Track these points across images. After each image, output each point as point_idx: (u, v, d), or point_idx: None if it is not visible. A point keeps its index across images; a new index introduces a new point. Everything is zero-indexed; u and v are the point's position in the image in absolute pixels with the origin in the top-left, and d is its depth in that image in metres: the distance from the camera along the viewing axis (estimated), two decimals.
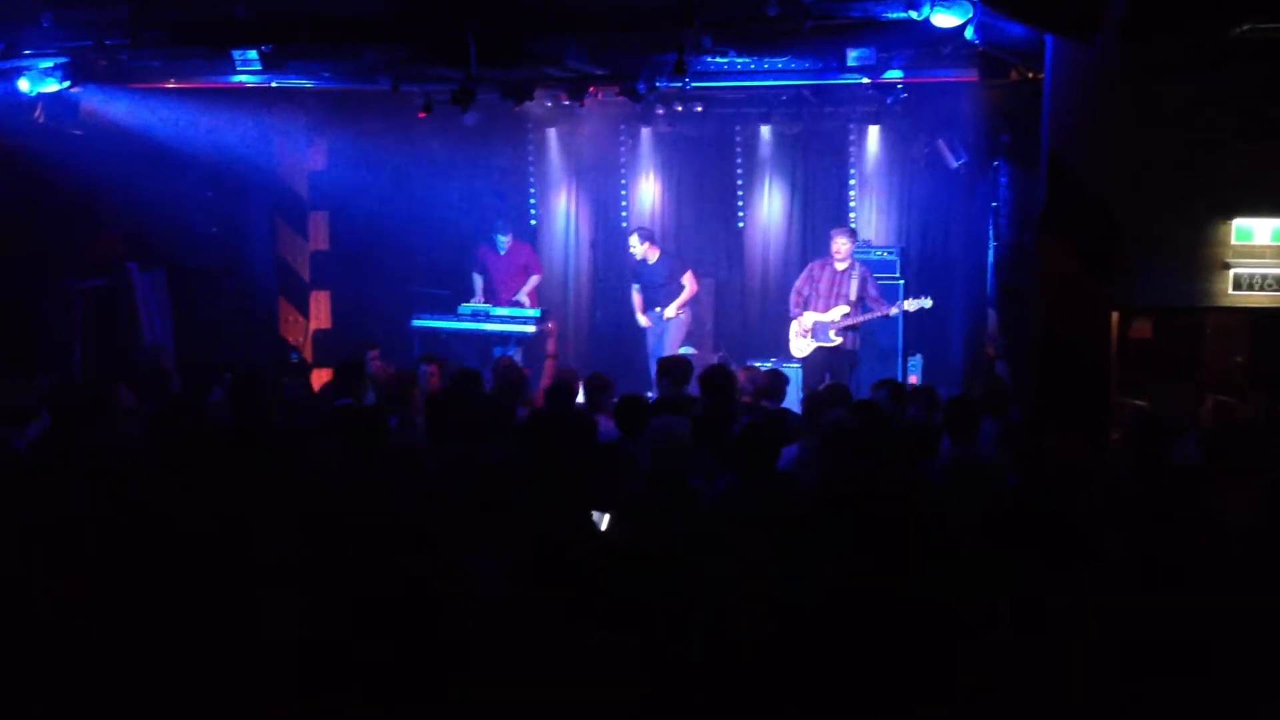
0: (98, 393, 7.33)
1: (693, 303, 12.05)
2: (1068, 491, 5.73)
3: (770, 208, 13.43)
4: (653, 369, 10.92)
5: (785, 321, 11.26)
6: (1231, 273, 8.05)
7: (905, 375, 11.60)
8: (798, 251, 13.11)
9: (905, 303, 10.72)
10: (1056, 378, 6.19)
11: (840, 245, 10.71)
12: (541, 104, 11.46)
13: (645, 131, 13.37)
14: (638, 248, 11.85)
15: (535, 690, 3.96)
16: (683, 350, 11.24)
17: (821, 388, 9.09)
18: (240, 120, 11.19)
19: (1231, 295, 8.13)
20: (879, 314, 10.73)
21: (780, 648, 4.06)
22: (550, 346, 11.48)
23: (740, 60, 9.19)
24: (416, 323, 12.02)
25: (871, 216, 13.04)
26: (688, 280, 11.86)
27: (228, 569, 4.50)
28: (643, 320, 11.98)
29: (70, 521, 5.01)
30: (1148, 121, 7.05)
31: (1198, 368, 8.37)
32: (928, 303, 10.63)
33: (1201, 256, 7.96)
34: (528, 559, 4.37)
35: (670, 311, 11.76)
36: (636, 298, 12.05)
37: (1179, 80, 7.25)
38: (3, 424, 7.03)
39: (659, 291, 11.84)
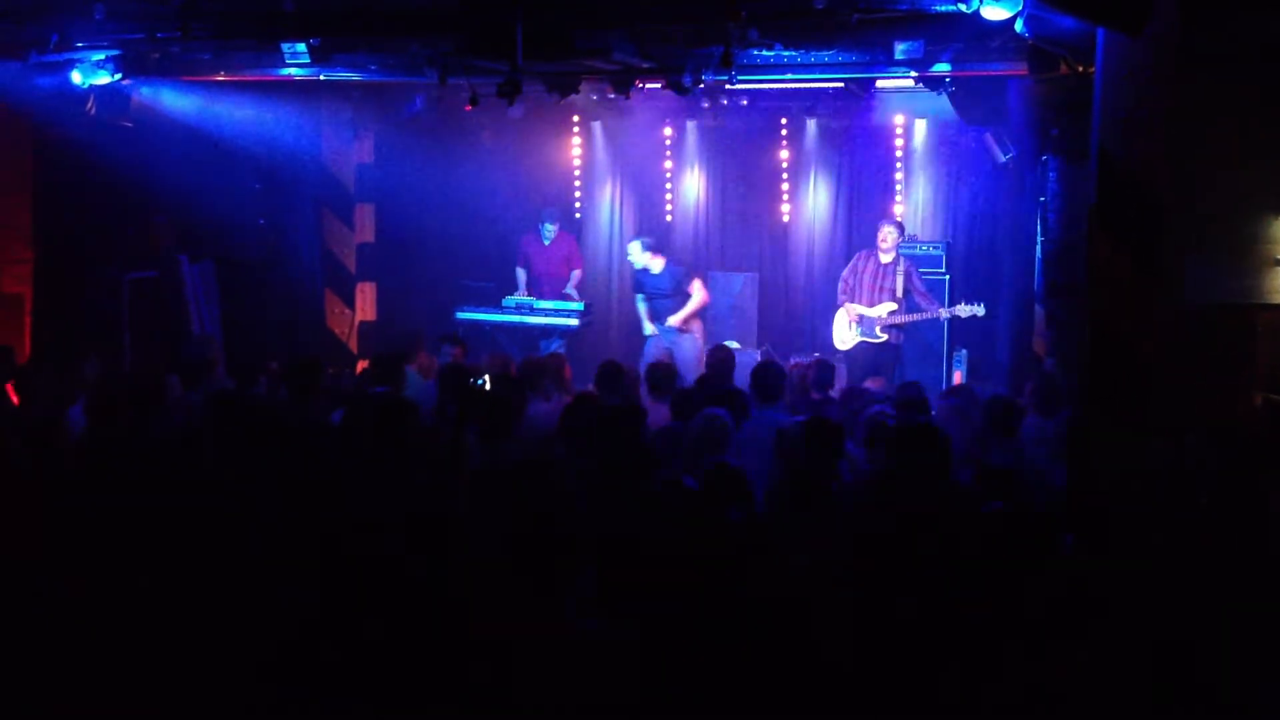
0: (150, 383, 7.39)
1: (725, 310, 11.76)
2: (1118, 491, 5.69)
3: (815, 202, 13.38)
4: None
5: (829, 316, 11.22)
6: None
7: (950, 372, 11.52)
8: (843, 246, 13.05)
9: (958, 308, 10.62)
10: (1108, 375, 6.13)
11: (887, 234, 10.68)
12: (587, 97, 11.47)
13: (690, 125, 13.36)
14: (639, 256, 11.30)
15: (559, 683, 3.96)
16: (728, 344, 11.18)
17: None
18: (288, 113, 11.28)
19: None
20: (929, 315, 10.66)
21: (817, 647, 4.04)
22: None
23: (786, 53, 9.14)
24: (461, 315, 12.06)
25: (917, 211, 12.95)
26: (696, 289, 11.30)
27: (271, 559, 4.54)
28: (649, 328, 11.43)
29: (120, 509, 5.08)
30: (1199, 116, 6.95)
31: (1247, 365, 8.22)
32: (980, 310, 10.50)
33: (1252, 253, 7.84)
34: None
35: (675, 320, 11.20)
36: (642, 307, 11.56)
37: (1232, 74, 7.14)
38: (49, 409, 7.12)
39: (665, 303, 11.31)
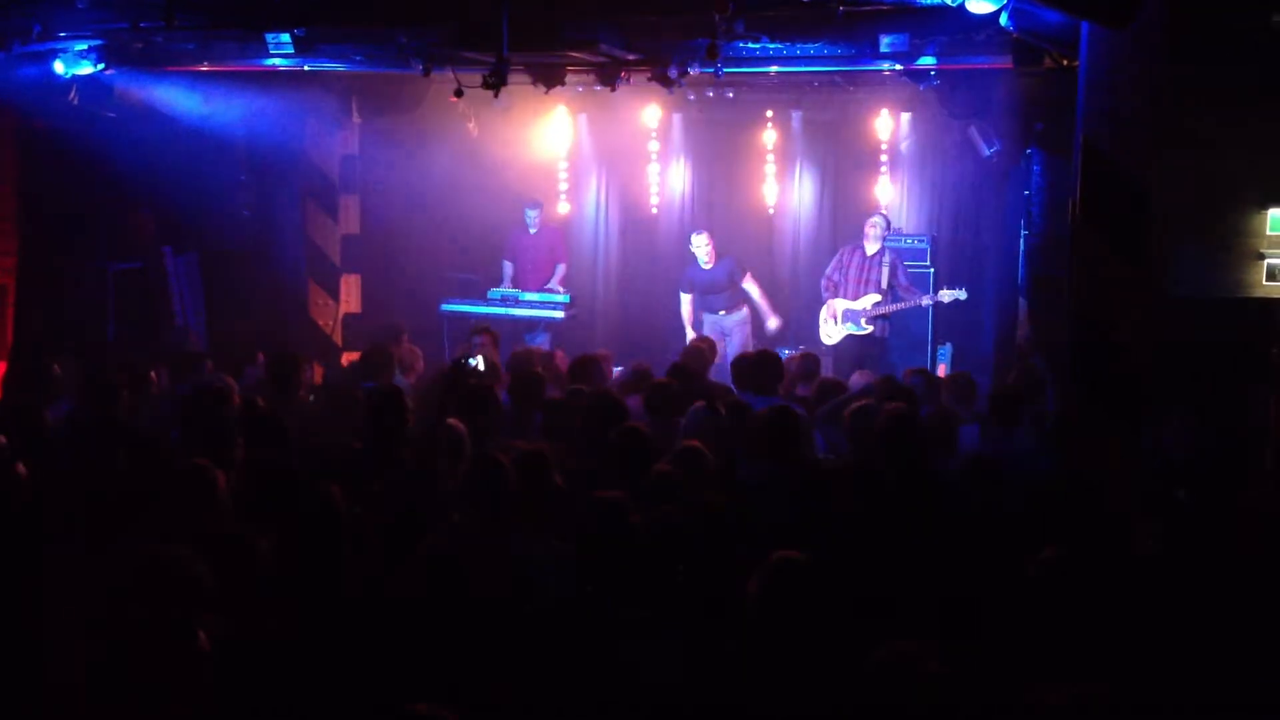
0: (132, 374, 7.37)
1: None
2: (1103, 483, 5.71)
3: (801, 194, 13.39)
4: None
5: (815, 309, 11.25)
6: (1266, 263, 7.97)
7: (935, 364, 11.57)
8: (828, 238, 13.06)
9: (941, 294, 10.71)
10: (1091, 367, 6.16)
11: (876, 221, 10.74)
12: (573, 89, 11.45)
13: (676, 117, 13.34)
14: (704, 248, 11.37)
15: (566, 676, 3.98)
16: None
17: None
18: (273, 104, 11.23)
19: (1266, 286, 8.04)
20: (911, 303, 10.72)
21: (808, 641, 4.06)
22: None
23: (772, 46, 9.15)
24: (446, 307, 12.04)
25: (903, 204, 12.97)
26: (750, 283, 11.44)
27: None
28: (690, 333, 11.38)
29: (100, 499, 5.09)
30: (1183, 110, 6.98)
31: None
32: (962, 294, 10.60)
33: (1236, 246, 7.87)
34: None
35: (773, 323, 11.31)
36: (687, 309, 11.66)
37: (1216, 68, 7.17)
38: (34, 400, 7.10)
39: (720, 296, 11.46)
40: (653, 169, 13.62)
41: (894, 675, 3.41)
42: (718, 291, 11.48)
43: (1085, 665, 3.75)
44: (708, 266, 11.46)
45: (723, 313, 11.48)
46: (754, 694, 3.83)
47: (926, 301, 10.78)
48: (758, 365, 7.48)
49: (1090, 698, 3.18)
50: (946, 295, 10.65)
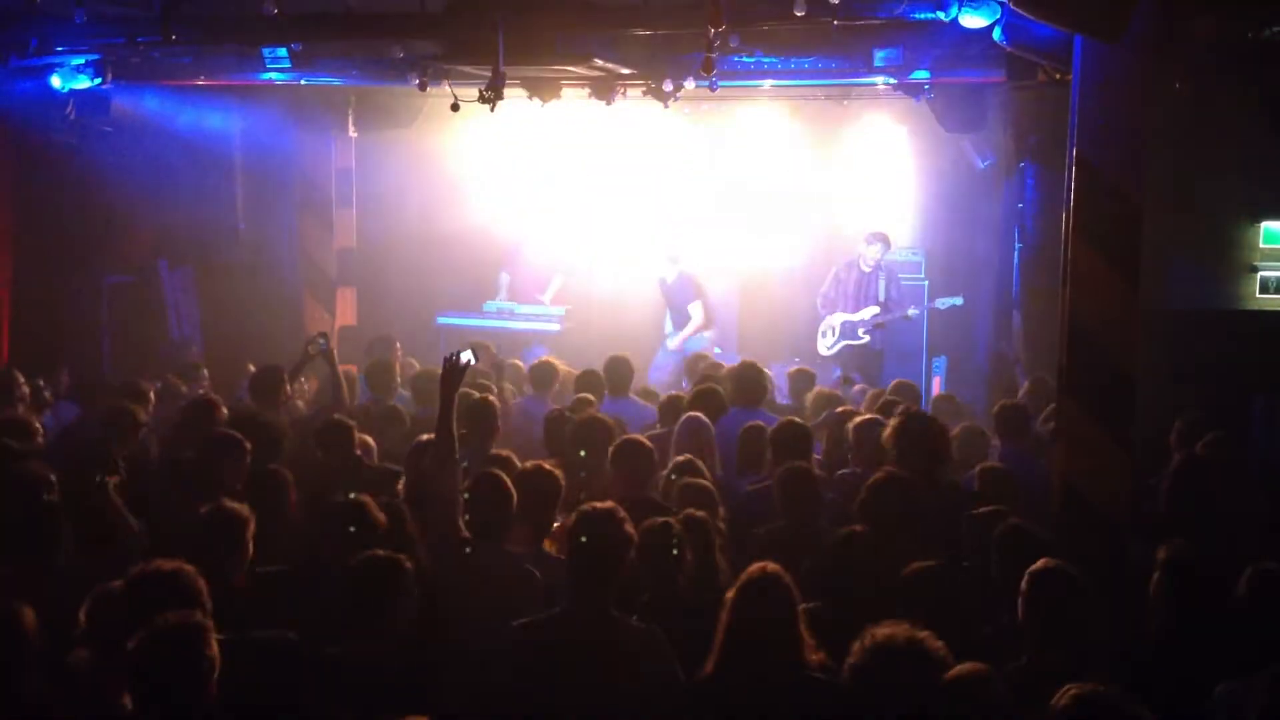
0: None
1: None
2: (1094, 496, 5.75)
3: (797, 207, 13.38)
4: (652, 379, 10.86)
5: (810, 322, 11.27)
6: (1259, 275, 8.00)
7: (930, 375, 11.59)
8: (823, 251, 13.06)
9: (937, 301, 10.77)
10: (1085, 379, 6.19)
11: (870, 252, 10.75)
12: (569, 104, 11.46)
13: (671, 129, 13.32)
14: (662, 265, 11.32)
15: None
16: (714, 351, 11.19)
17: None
18: (269, 118, 11.25)
19: (1259, 298, 8.08)
20: (897, 315, 10.76)
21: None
22: None
23: (767, 60, 9.19)
24: (442, 320, 12.04)
25: (897, 217, 12.98)
26: (695, 311, 11.38)
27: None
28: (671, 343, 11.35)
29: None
30: (1176, 123, 7.02)
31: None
32: (959, 300, 10.66)
33: (1229, 259, 7.91)
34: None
35: (674, 343, 11.23)
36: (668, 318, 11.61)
37: (1209, 82, 7.21)
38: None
39: (676, 316, 11.46)
40: (646, 178, 13.59)
41: (892, 674, 3.45)
42: (675, 310, 11.43)
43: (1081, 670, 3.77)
44: (670, 281, 11.34)
45: (669, 343, 11.42)
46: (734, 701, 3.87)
47: (913, 312, 10.80)
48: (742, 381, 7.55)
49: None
50: (943, 303, 10.72)
